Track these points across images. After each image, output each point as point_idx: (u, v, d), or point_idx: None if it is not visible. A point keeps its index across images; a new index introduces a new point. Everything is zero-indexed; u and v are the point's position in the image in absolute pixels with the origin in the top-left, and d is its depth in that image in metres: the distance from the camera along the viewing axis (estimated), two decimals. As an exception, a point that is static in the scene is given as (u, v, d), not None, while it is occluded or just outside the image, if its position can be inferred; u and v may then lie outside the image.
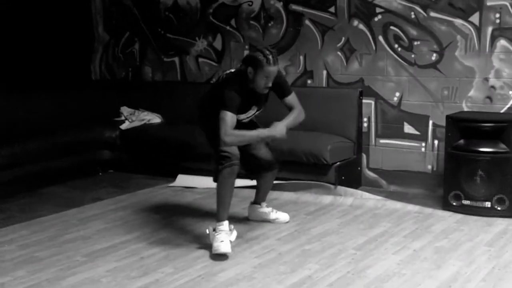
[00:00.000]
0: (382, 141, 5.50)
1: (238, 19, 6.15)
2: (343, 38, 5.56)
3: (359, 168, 5.55)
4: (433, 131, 5.25)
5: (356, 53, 5.52)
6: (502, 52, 4.88)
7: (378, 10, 5.35)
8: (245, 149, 4.01)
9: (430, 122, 5.25)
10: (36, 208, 4.95)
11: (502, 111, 4.93)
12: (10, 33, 6.32)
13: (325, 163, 5.11)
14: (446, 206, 4.70)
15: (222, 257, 3.72)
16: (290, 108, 4.05)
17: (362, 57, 5.49)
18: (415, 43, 5.22)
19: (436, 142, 5.24)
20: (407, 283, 3.32)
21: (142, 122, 6.44)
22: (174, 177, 5.72)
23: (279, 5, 5.85)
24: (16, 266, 3.65)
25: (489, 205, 4.52)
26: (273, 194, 4.85)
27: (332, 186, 5.15)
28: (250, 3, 6.04)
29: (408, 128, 5.36)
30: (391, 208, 4.81)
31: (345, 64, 5.59)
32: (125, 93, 6.88)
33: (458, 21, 5.01)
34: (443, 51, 5.12)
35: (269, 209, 4.46)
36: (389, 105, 5.42)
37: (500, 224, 4.36)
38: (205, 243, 3.95)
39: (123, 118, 6.59)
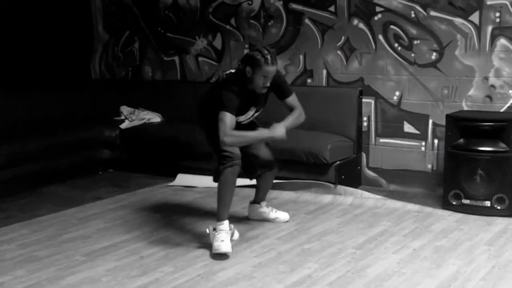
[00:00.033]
0: (382, 140, 5.50)
1: (238, 18, 6.15)
2: (343, 37, 5.56)
3: (359, 167, 5.55)
4: (433, 130, 5.24)
5: (356, 52, 5.51)
6: (502, 51, 4.87)
7: (378, 9, 5.35)
8: (245, 149, 4.01)
9: (430, 121, 5.25)
10: (35, 207, 4.95)
11: (502, 110, 4.92)
12: (10, 33, 6.32)
13: (325, 162, 5.10)
14: (446, 205, 4.70)
15: (222, 256, 3.72)
16: (290, 109, 4.05)
17: (362, 56, 5.49)
18: (415, 42, 5.22)
19: (436, 141, 5.24)
20: (407, 282, 3.32)
21: (142, 121, 6.44)
22: (174, 176, 5.72)
23: (279, 4, 5.85)
24: (16, 265, 3.65)
25: (489, 204, 4.52)
26: (273, 193, 4.85)
27: (332, 185, 5.15)
28: (250, 2, 6.04)
29: (408, 127, 5.36)
30: (391, 207, 4.81)
31: (345, 63, 5.59)
32: (125, 92, 6.88)
33: (458, 20, 5.01)
34: (443, 50, 5.12)
35: (269, 208, 4.46)
36: (389, 104, 5.42)
37: (500, 223, 4.36)
38: (204, 243, 3.95)
39: (123, 117, 6.59)
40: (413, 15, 5.19)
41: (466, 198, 4.57)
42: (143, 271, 3.53)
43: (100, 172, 6.22)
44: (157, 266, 3.61)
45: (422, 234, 4.15)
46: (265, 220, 4.44)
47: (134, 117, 6.51)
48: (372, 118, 5.51)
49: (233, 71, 3.96)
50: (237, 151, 3.86)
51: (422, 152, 5.31)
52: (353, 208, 4.82)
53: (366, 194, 5.14)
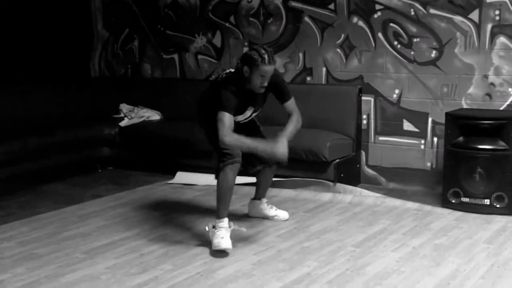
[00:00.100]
0: (381, 138, 5.50)
1: (238, 16, 6.14)
2: (343, 35, 5.56)
3: (358, 165, 5.55)
4: (433, 128, 5.25)
5: (356, 50, 5.51)
6: (501, 49, 4.87)
7: (377, 7, 5.34)
8: None
9: (430, 119, 5.25)
10: (35, 205, 4.95)
11: (502, 108, 4.92)
12: (9, 31, 6.31)
13: (324, 160, 5.11)
14: (445, 203, 4.70)
15: (221, 253, 3.73)
16: (288, 113, 4.03)
17: (362, 54, 5.49)
18: (415, 40, 5.22)
19: (435, 139, 5.24)
20: (406, 280, 3.32)
21: (142, 119, 6.44)
22: (173, 174, 5.72)
23: (279, 2, 5.84)
24: (16, 263, 3.65)
25: (488, 203, 4.52)
26: (272, 191, 4.85)
27: (331, 183, 5.15)
28: (250, 0, 6.03)
29: (407, 125, 5.36)
30: (390, 205, 4.81)
31: (344, 61, 5.59)
32: (124, 90, 6.88)
33: (458, 18, 5.00)
34: (443, 48, 5.11)
35: (269, 205, 4.48)
36: (389, 102, 5.42)
37: (499, 221, 4.36)
38: (204, 240, 3.95)
39: (122, 115, 6.59)
40: (412, 13, 5.19)
41: (466, 196, 4.58)
42: (143, 269, 3.53)
43: (99, 170, 6.21)
44: (156, 263, 3.62)
45: (422, 232, 4.15)
46: (265, 217, 4.45)
47: (133, 115, 6.51)
48: (372, 116, 5.51)
49: (232, 70, 3.96)
50: (237, 150, 3.86)
51: (422, 150, 5.31)
52: (352, 206, 4.82)
53: (365, 192, 5.14)
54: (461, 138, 4.60)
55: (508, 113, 4.75)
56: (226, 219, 3.85)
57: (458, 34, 5.02)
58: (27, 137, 5.52)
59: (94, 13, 7.19)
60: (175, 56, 6.68)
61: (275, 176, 4.52)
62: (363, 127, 5.54)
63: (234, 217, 4.24)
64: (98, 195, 5.24)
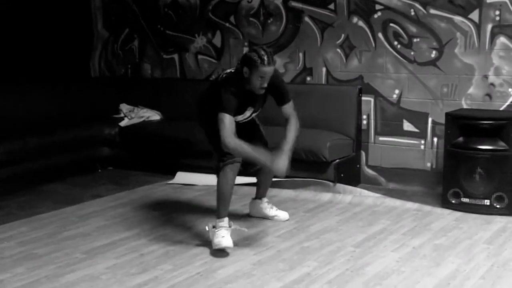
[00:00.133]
0: (381, 138, 5.50)
1: (238, 16, 6.14)
2: (343, 35, 5.56)
3: (358, 166, 5.55)
4: (433, 128, 5.24)
5: (356, 50, 5.51)
6: (501, 49, 4.87)
7: (377, 7, 5.34)
8: (246, 142, 4.01)
9: (430, 120, 5.25)
10: (35, 205, 4.95)
11: (502, 108, 4.92)
12: (9, 30, 6.31)
13: (324, 160, 5.11)
14: (445, 203, 4.70)
15: (222, 253, 3.73)
16: (286, 116, 4.02)
17: (362, 54, 5.49)
18: (415, 40, 5.22)
19: (435, 139, 5.24)
20: (406, 281, 3.32)
21: (142, 119, 6.44)
22: (173, 174, 5.72)
23: (279, 2, 5.84)
24: (16, 263, 3.65)
25: (488, 203, 4.52)
26: (272, 192, 4.85)
27: (331, 184, 5.15)
28: (250, 0, 6.03)
29: (407, 126, 5.36)
30: (390, 205, 4.81)
31: (344, 61, 5.59)
32: (124, 90, 6.88)
33: (458, 18, 5.00)
34: (443, 48, 5.11)
35: (270, 205, 4.49)
36: (389, 102, 5.42)
37: (499, 222, 4.36)
38: (204, 240, 3.95)
39: (122, 115, 6.59)
40: (412, 13, 5.19)
41: (466, 196, 4.58)
42: (143, 269, 3.53)
43: (99, 170, 6.21)
44: (156, 263, 3.62)
45: (421, 232, 4.15)
46: (265, 217, 4.45)
47: (133, 115, 6.51)
48: (372, 116, 5.51)
49: (233, 70, 3.96)
50: None
51: (422, 150, 5.31)
52: (352, 206, 4.82)
53: (365, 192, 5.14)
54: (461, 139, 4.60)
55: (508, 114, 4.75)
56: (226, 219, 3.86)
57: (458, 34, 5.02)
58: (27, 137, 5.52)
59: (94, 13, 7.19)
60: (175, 56, 6.68)
61: (275, 176, 4.51)
62: (363, 127, 5.54)
63: (234, 217, 4.24)
64: (98, 195, 5.24)
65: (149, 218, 4.54)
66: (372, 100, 5.49)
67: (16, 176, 5.34)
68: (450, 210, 4.62)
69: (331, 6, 5.56)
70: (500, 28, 4.85)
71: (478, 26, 4.93)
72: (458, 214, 4.55)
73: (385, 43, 5.35)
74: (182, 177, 5.67)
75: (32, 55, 6.43)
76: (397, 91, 5.37)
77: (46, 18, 6.58)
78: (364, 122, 5.53)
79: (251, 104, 3.97)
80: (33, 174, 5.50)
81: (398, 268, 3.50)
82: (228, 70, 3.96)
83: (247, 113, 4.01)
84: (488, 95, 4.97)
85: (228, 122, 3.68)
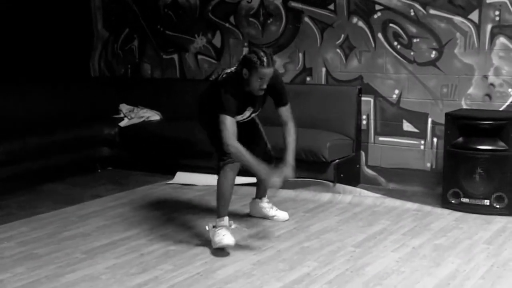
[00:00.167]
0: (381, 138, 5.50)
1: (237, 16, 6.15)
2: (343, 35, 5.56)
3: (358, 166, 5.56)
4: (432, 128, 5.25)
5: (355, 50, 5.51)
6: (501, 49, 4.87)
7: (377, 7, 5.34)
8: (246, 144, 4.02)
9: (429, 120, 5.25)
10: (35, 205, 4.95)
11: (501, 108, 4.92)
12: (9, 30, 6.31)
13: (324, 160, 5.11)
14: (445, 204, 4.70)
15: (222, 253, 3.73)
16: (282, 119, 4.03)
17: (361, 54, 5.49)
18: (415, 40, 5.22)
19: (435, 139, 5.24)
20: (406, 281, 3.32)
21: (141, 119, 6.44)
22: (173, 175, 5.72)
23: (278, 2, 5.85)
24: (16, 263, 3.65)
25: (488, 203, 4.52)
26: (272, 191, 4.85)
27: (331, 184, 5.15)
28: (249, 0, 6.03)
29: (407, 126, 5.36)
30: (390, 205, 4.81)
31: (344, 61, 5.59)
32: (124, 90, 6.88)
33: (458, 19, 5.01)
34: (443, 49, 5.12)
35: (269, 204, 4.49)
36: (388, 102, 5.42)
37: (499, 222, 4.37)
38: (204, 240, 3.95)
39: (122, 115, 6.59)
40: (412, 14, 5.19)
41: (465, 196, 4.58)
42: (143, 269, 3.54)
43: (99, 170, 6.22)
44: (156, 263, 3.62)
45: (421, 232, 4.15)
46: (265, 217, 4.45)
47: (133, 115, 6.51)
48: (371, 117, 5.51)
49: (233, 70, 3.95)
50: None
51: (421, 150, 5.32)
52: (352, 206, 4.82)
53: (365, 192, 5.14)
54: (461, 139, 4.60)
55: (507, 114, 4.75)
56: (226, 218, 3.86)
57: (458, 34, 5.03)
58: (27, 137, 5.52)
59: (94, 12, 7.19)
60: (175, 56, 6.68)
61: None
62: (363, 127, 5.54)
63: (234, 217, 4.24)
64: (98, 195, 5.24)
65: (149, 218, 4.54)
66: (372, 100, 5.49)
67: (16, 176, 5.35)
68: (450, 210, 4.62)
69: (331, 7, 5.56)
70: (499, 29, 4.85)
71: (478, 27, 4.93)
72: (458, 214, 4.55)
73: (385, 44, 5.35)
74: (182, 177, 5.67)
75: (32, 55, 6.43)
76: (397, 91, 5.37)
77: (46, 18, 6.58)
78: (364, 122, 5.54)
79: (251, 104, 3.97)
80: (33, 174, 5.50)
81: (398, 268, 3.50)
82: (229, 70, 3.96)
83: (247, 113, 4.02)
84: (488, 95, 4.97)
85: (229, 124, 3.70)
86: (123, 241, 4.04)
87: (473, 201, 4.56)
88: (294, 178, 4.03)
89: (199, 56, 6.50)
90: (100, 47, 7.24)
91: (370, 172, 5.57)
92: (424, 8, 5.13)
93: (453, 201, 4.64)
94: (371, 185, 5.51)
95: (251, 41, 6.06)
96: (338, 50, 5.60)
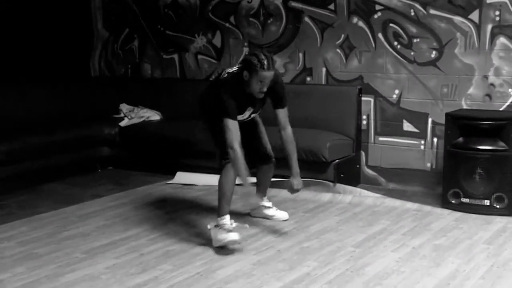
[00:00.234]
0: (381, 138, 5.50)
1: (238, 16, 6.14)
2: (343, 35, 5.56)
3: (358, 166, 5.55)
4: (432, 128, 5.25)
5: (356, 50, 5.51)
6: (501, 49, 4.87)
7: (377, 7, 5.34)
8: (247, 143, 4.04)
9: (430, 120, 5.25)
10: (35, 204, 4.95)
11: (502, 109, 4.92)
12: (9, 30, 6.31)
13: (324, 160, 5.11)
14: (445, 204, 4.70)
15: (223, 252, 3.74)
16: (280, 122, 4.04)
17: (362, 54, 5.49)
18: (415, 40, 5.22)
19: (435, 139, 5.24)
20: (406, 281, 3.32)
21: (141, 119, 6.44)
22: (173, 174, 5.72)
23: (279, 2, 5.84)
24: (16, 263, 3.65)
25: (488, 203, 4.52)
26: (272, 192, 4.84)
27: (331, 184, 5.15)
28: (250, 0, 6.03)
29: (407, 126, 5.36)
30: (390, 205, 4.81)
31: (344, 61, 5.59)
32: (124, 90, 6.88)
33: (458, 19, 5.00)
34: (443, 49, 5.11)
35: (269, 203, 4.49)
36: (389, 102, 5.42)
37: (499, 222, 4.36)
38: (204, 240, 3.96)
39: (122, 115, 6.59)
40: (412, 13, 5.19)
41: (465, 196, 4.58)
42: (143, 269, 3.54)
43: (99, 170, 6.22)
44: (156, 263, 3.62)
45: (421, 232, 4.15)
46: (265, 217, 4.45)
47: (133, 115, 6.51)
48: (372, 117, 5.51)
49: (235, 69, 3.95)
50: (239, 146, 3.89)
51: (422, 150, 5.32)
52: (352, 206, 4.82)
53: (365, 192, 5.14)
54: (461, 139, 4.60)
55: (508, 114, 4.75)
56: (228, 216, 3.87)
57: (458, 34, 5.02)
58: (27, 137, 5.52)
59: (94, 12, 7.19)
60: (175, 56, 6.68)
61: (275, 176, 4.53)
62: (363, 127, 5.54)
63: (235, 217, 4.22)
64: (98, 195, 5.24)
65: (149, 218, 4.54)
66: (372, 100, 5.49)
67: (16, 176, 5.35)
68: (450, 210, 4.62)
69: (331, 6, 5.56)
70: (500, 29, 4.85)
71: (478, 27, 4.93)
72: (458, 214, 4.55)
73: (385, 44, 5.35)
74: (182, 177, 5.67)
75: (32, 55, 6.43)
76: (397, 91, 5.37)
77: (46, 18, 6.58)
78: (364, 122, 5.54)
79: (251, 104, 3.98)
80: (33, 173, 5.50)
81: (398, 268, 3.50)
82: (230, 70, 3.97)
83: (247, 113, 4.03)
84: (488, 95, 4.97)
85: (233, 128, 3.76)
86: (123, 241, 4.04)
87: (473, 201, 4.56)
88: (302, 187, 4.16)
89: (199, 56, 6.49)
90: (100, 47, 7.24)
91: (370, 172, 5.57)
92: (424, 8, 5.13)
93: (453, 201, 4.64)
94: (371, 185, 5.51)
95: (251, 41, 6.06)
96: (338, 50, 5.60)
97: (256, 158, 4.24)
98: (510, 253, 3.73)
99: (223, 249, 3.78)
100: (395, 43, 5.31)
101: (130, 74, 7.07)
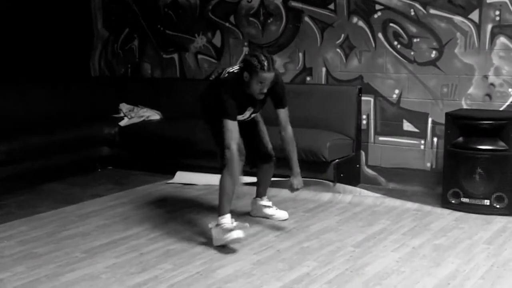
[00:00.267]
0: (381, 138, 5.50)
1: (237, 16, 6.15)
2: (343, 35, 5.56)
3: (358, 166, 5.55)
4: (432, 128, 5.25)
5: (356, 50, 5.51)
6: (501, 49, 4.87)
7: (377, 7, 5.34)
8: (248, 142, 4.04)
9: (429, 120, 5.25)
10: (35, 204, 4.95)
11: (502, 108, 4.92)
12: (9, 30, 6.31)
13: (324, 160, 5.11)
14: (445, 203, 4.70)
15: (223, 251, 3.74)
16: (281, 122, 4.05)
17: (362, 54, 5.49)
18: (415, 40, 5.22)
19: (435, 139, 5.24)
20: (406, 281, 3.32)
21: (141, 119, 6.44)
22: (173, 174, 5.72)
23: (279, 2, 5.84)
24: (15, 262, 3.65)
25: (488, 203, 4.52)
26: (272, 191, 4.85)
27: (331, 183, 5.15)
28: (249, 0, 6.03)
29: (407, 126, 5.36)
30: (390, 205, 4.81)
31: (344, 61, 5.59)
32: (124, 90, 6.88)
33: (458, 18, 5.00)
34: (443, 49, 5.11)
35: (269, 203, 4.49)
36: (388, 102, 5.42)
37: (499, 222, 4.36)
38: (204, 240, 3.96)
39: (122, 114, 6.59)
40: (412, 13, 5.19)
41: (465, 196, 4.58)
42: (143, 268, 3.53)
43: (99, 170, 6.22)
44: (156, 263, 3.62)
45: (421, 232, 4.15)
46: (265, 216, 4.46)
47: (133, 115, 6.51)
48: (372, 116, 5.51)
49: (235, 69, 3.95)
50: (240, 146, 3.90)
51: (422, 150, 5.32)
52: (352, 206, 4.82)
53: (365, 192, 5.14)
54: (461, 139, 4.60)
55: (508, 114, 4.75)
56: (228, 215, 3.87)
57: (458, 34, 5.02)
58: (27, 136, 5.52)
59: (94, 12, 7.19)
60: (175, 56, 6.68)
61: (274, 176, 4.53)
62: (363, 127, 5.54)
63: (234, 216, 4.23)
64: (97, 195, 5.24)
65: (148, 218, 4.54)
66: (372, 100, 5.49)
67: (16, 176, 5.35)
68: (450, 210, 4.62)
69: (331, 6, 5.56)
70: (500, 28, 4.85)
71: (478, 26, 4.93)
72: (458, 214, 4.55)
73: (385, 43, 5.35)
74: (182, 176, 5.67)
75: (32, 55, 6.43)
76: (397, 91, 5.37)
77: (46, 18, 6.58)
78: (364, 122, 5.54)
79: (251, 104, 3.99)
80: (33, 173, 5.50)
81: (398, 268, 3.50)
82: (231, 69, 3.97)
83: (247, 113, 4.04)
84: (488, 95, 4.97)
85: (232, 128, 3.77)
86: (123, 240, 4.04)
87: (473, 201, 4.56)
88: (303, 186, 4.19)
89: (199, 56, 6.49)
90: (100, 47, 7.24)
91: (370, 172, 5.57)
92: (424, 8, 5.13)
93: (453, 201, 4.64)
94: (371, 185, 5.50)
95: (251, 41, 6.06)
96: (338, 50, 5.60)
97: (257, 157, 4.25)
98: (510, 253, 3.73)
99: (223, 249, 3.78)
100: (395, 42, 5.31)
101: (130, 73, 7.07)
